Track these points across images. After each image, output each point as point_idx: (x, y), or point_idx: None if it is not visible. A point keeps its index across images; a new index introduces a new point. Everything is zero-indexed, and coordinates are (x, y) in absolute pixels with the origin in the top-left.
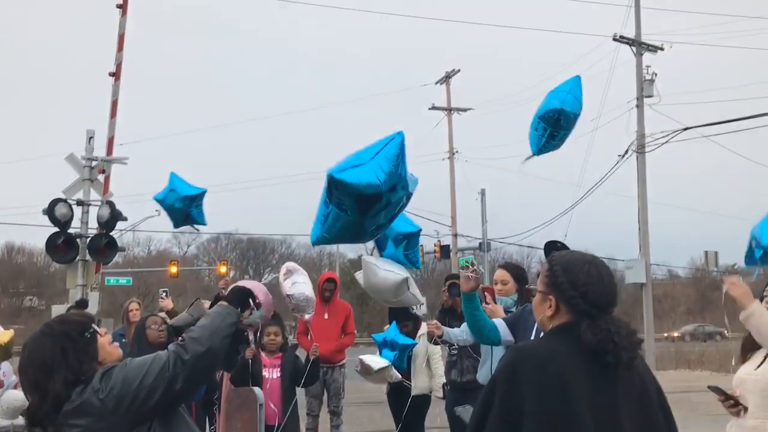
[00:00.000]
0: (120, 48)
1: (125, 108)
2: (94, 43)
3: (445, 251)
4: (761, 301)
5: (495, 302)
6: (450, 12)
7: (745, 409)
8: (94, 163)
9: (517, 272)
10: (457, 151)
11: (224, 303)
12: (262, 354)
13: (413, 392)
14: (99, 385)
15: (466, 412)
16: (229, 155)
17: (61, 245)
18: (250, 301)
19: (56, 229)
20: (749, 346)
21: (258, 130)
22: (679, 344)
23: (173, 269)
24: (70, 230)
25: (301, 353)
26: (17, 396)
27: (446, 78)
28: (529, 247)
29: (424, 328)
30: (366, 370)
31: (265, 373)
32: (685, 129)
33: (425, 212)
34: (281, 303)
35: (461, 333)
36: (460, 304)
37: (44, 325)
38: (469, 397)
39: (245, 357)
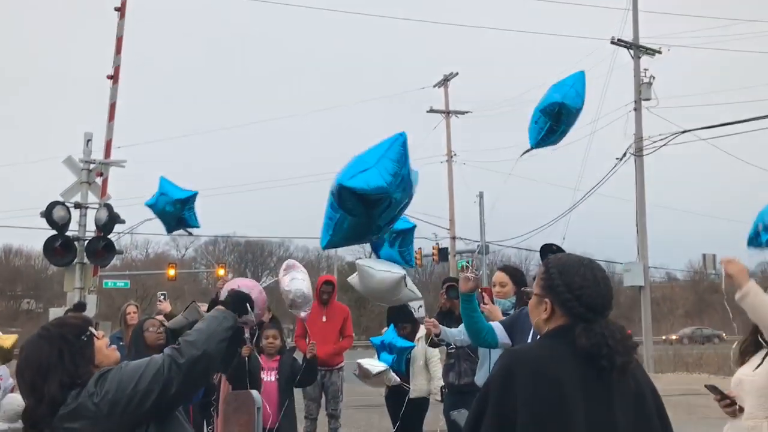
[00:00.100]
0: (118, 51)
1: (124, 111)
2: (92, 46)
3: (443, 254)
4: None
5: (493, 303)
6: (448, 15)
7: (741, 409)
8: (91, 166)
9: (516, 275)
10: (455, 154)
11: (221, 307)
12: (261, 357)
13: (412, 395)
14: (94, 388)
15: (461, 416)
16: (228, 158)
17: (59, 248)
18: (248, 306)
19: (54, 232)
20: (747, 349)
21: (256, 133)
22: (677, 347)
23: (171, 272)
24: (68, 233)
25: (299, 356)
26: (17, 399)
27: (444, 81)
28: (527, 249)
29: (422, 330)
30: (364, 374)
31: (263, 375)
32: (683, 132)
33: (423, 215)
34: (280, 306)
35: (459, 333)
36: (458, 307)
37: (41, 328)
38: (467, 400)
39: (241, 354)
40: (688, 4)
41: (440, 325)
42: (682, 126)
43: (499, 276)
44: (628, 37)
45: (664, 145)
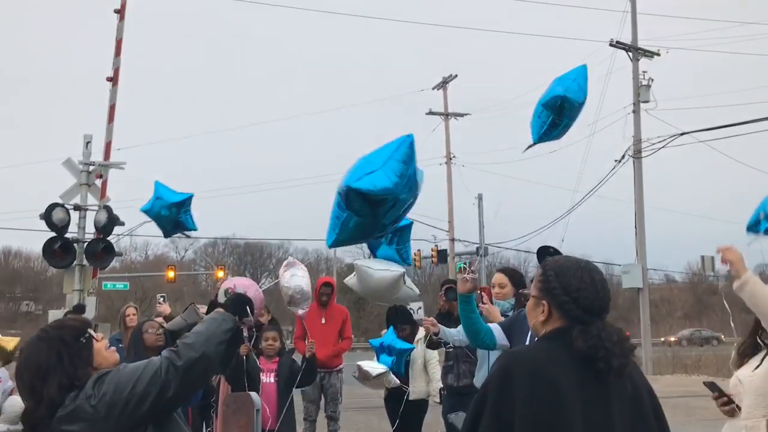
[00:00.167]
0: (118, 53)
1: (123, 112)
2: (92, 48)
3: (442, 256)
4: None
5: (492, 304)
6: (447, 17)
7: (739, 408)
8: (91, 168)
9: (515, 276)
10: (454, 156)
11: (221, 309)
12: (260, 359)
13: (411, 397)
14: (91, 391)
15: (458, 418)
16: (227, 160)
17: (58, 250)
18: (248, 309)
19: (53, 234)
20: (746, 352)
21: (256, 135)
22: (676, 349)
23: (170, 274)
24: (67, 235)
25: (298, 358)
26: (19, 402)
27: (443, 83)
28: (526, 251)
29: (421, 332)
30: (364, 376)
31: (262, 377)
32: (682, 134)
33: (422, 217)
34: (279, 308)
35: (458, 333)
36: (457, 308)
37: (40, 330)
38: (465, 402)
39: (239, 353)
40: (687, 6)
41: (439, 324)
42: (680, 128)
43: (499, 277)
44: (627, 39)
45: (663, 147)
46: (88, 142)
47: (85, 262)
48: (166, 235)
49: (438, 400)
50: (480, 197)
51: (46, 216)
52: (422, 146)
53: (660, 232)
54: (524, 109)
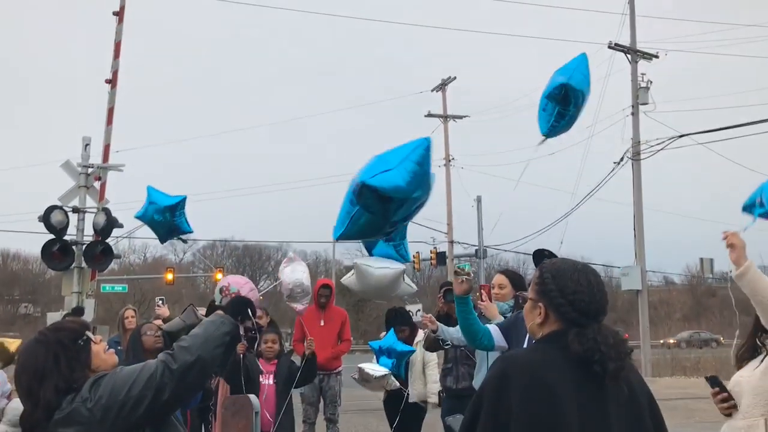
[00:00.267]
0: (116, 55)
1: (122, 115)
2: (92, 49)
3: (441, 258)
4: None
5: (491, 301)
6: (446, 20)
7: (736, 408)
8: (90, 170)
9: (515, 278)
10: (453, 158)
11: (220, 312)
12: (260, 360)
13: (411, 399)
14: (88, 394)
15: (456, 421)
16: (226, 162)
17: (57, 252)
18: (249, 311)
19: (52, 236)
20: (744, 355)
21: (255, 138)
22: (674, 351)
23: (169, 276)
24: (66, 237)
25: (296, 360)
26: (20, 405)
27: (442, 85)
28: (525, 254)
29: (420, 335)
30: (365, 378)
31: (261, 379)
32: (681, 136)
33: (421, 219)
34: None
35: (456, 331)
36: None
37: (38, 333)
38: (464, 405)
39: (237, 352)
40: (686, 9)
41: (437, 322)
42: (679, 130)
43: (499, 278)
44: (626, 41)
45: (662, 149)
46: (86, 145)
47: (83, 264)
48: (162, 240)
49: (435, 401)
50: (479, 199)
51: (45, 218)
52: None
53: (659, 234)
54: (523, 112)
